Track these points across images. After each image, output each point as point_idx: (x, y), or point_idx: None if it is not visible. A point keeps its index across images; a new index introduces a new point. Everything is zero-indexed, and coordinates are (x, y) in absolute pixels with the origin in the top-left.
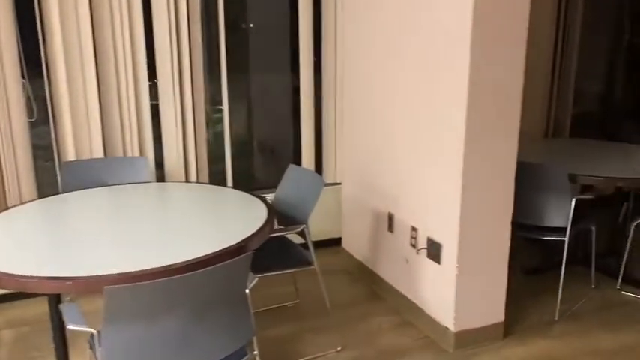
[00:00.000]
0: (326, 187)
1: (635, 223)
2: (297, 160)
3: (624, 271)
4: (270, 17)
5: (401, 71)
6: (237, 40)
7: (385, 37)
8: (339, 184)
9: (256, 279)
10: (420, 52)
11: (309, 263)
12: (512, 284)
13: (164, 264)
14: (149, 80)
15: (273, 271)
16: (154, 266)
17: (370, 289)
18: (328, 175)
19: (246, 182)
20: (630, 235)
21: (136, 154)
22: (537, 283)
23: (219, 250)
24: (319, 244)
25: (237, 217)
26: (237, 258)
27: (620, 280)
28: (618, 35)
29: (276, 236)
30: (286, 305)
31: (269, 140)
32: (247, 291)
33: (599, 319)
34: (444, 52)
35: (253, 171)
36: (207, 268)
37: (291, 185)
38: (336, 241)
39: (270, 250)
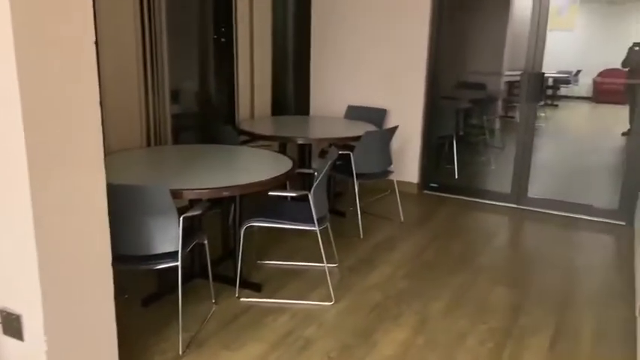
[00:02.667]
0: None
1: (244, 227)
2: None
3: (240, 275)
4: None
5: None
6: None
7: None
8: None
9: None
10: None
11: None
12: (128, 325)
13: None
14: None
15: None
16: None
17: None
18: None
19: None
20: (241, 240)
21: None
22: (158, 314)
23: None
24: None
25: None
26: None
27: (237, 287)
28: (205, 35)
29: None
30: None
31: None
32: None
33: (224, 338)
34: None
35: None
36: None
37: None
38: None
39: None
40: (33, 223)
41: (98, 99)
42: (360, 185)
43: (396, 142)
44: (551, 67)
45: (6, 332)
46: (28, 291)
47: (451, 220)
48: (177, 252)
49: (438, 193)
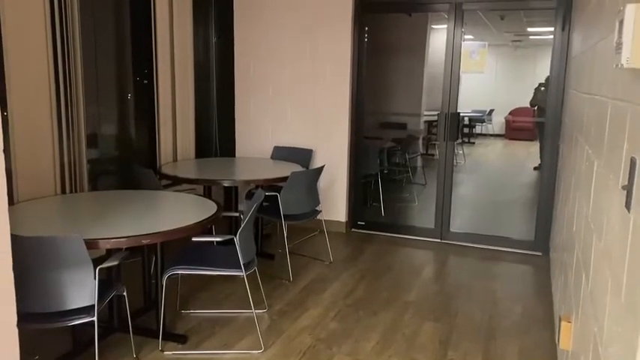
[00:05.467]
0: None
1: (166, 276)
2: None
3: (163, 327)
4: None
5: None
6: None
7: None
8: None
9: None
10: None
11: None
12: None
13: None
14: None
15: None
16: None
17: None
18: None
19: None
20: (163, 289)
21: None
22: None
23: None
24: None
25: None
26: None
27: (160, 339)
28: (124, 77)
29: None
30: None
31: None
32: None
33: None
34: None
35: None
36: None
37: None
38: None
39: None
40: None
41: (1, 144)
42: (288, 226)
43: (323, 182)
44: (466, 107)
45: None
46: None
47: (379, 257)
48: (93, 306)
49: (365, 231)
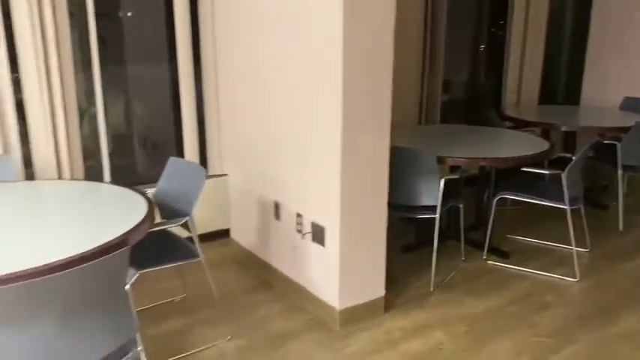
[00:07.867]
0: (212, 179)
1: (496, 198)
2: (180, 153)
3: (489, 242)
4: (146, 5)
5: (281, 63)
6: (113, 29)
7: (261, 26)
8: (225, 175)
9: (137, 274)
10: (296, 47)
11: (195, 256)
12: (391, 262)
13: (39, 263)
14: (13, 73)
15: (158, 265)
16: (28, 267)
17: (260, 277)
18: (213, 167)
19: (128, 177)
20: (492, 210)
21: None
22: (414, 260)
23: (95, 248)
24: (207, 237)
25: (114, 213)
26: (112, 254)
27: (485, 251)
28: (479, 28)
29: (160, 230)
30: (173, 300)
31: (151, 134)
32: (128, 287)
33: (468, 287)
34: (319, 49)
35: (135, 166)
36: (81, 266)
37: (172, 178)
38: (225, 233)
39: (154, 245)
40: (340, 168)
41: (391, 86)
42: (632, 181)
43: None
44: None
45: (314, 240)
46: (331, 211)
47: None
48: (436, 207)
49: None
